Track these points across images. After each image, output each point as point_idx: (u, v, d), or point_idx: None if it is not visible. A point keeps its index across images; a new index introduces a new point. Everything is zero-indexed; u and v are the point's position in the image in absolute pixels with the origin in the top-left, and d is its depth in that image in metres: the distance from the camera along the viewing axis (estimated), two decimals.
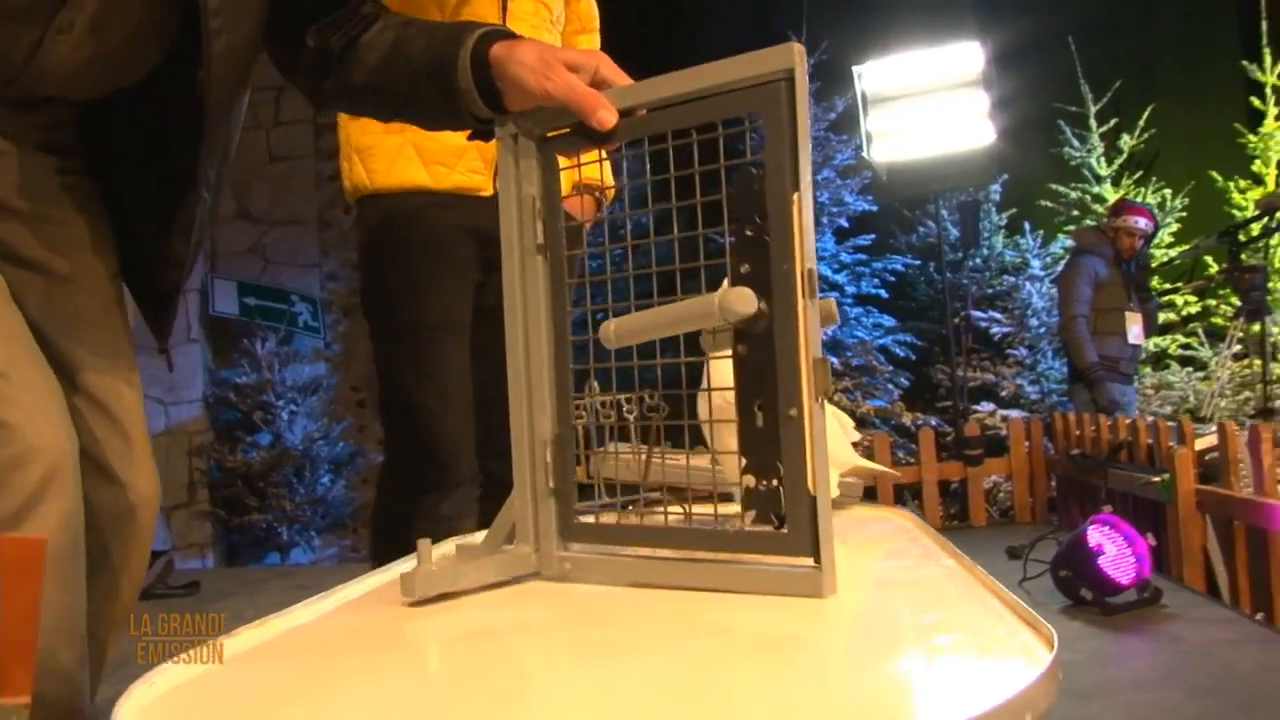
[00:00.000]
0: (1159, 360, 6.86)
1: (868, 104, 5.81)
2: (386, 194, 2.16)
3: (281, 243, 7.44)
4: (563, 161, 1.23)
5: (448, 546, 1.39)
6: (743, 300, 0.99)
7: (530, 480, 1.24)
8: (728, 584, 1.07)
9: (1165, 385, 6.53)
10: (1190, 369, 6.66)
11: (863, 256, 7.13)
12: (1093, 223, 6.80)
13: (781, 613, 0.98)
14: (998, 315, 6.90)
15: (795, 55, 1.02)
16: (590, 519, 1.21)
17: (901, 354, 6.99)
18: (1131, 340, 5.36)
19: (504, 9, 2.09)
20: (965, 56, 5.66)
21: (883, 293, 7.13)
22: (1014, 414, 6.40)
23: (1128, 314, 5.32)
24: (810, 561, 1.01)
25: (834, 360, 6.75)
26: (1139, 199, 6.99)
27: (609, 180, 2.35)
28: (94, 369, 1.43)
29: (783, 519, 1.04)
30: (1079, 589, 3.17)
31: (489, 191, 2.14)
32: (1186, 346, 6.79)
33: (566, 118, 1.20)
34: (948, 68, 5.71)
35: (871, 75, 5.83)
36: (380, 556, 2.13)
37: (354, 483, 7.15)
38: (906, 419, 6.76)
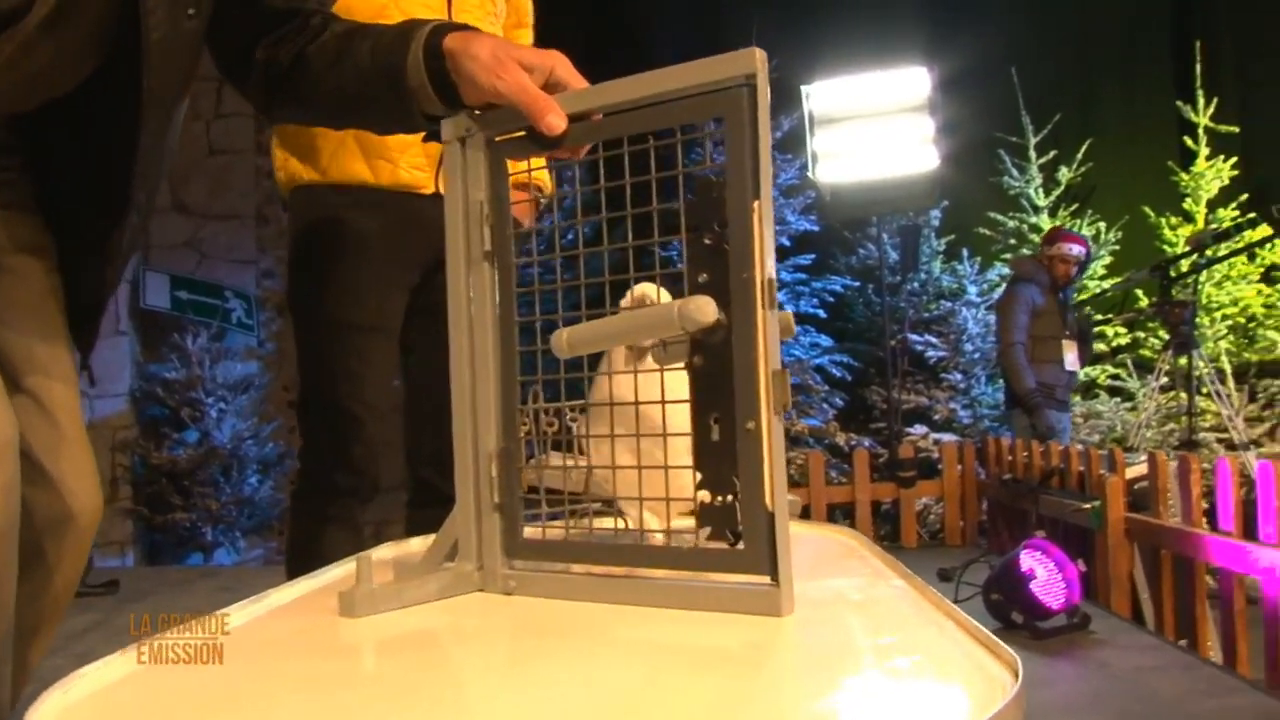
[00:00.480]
0: (1088, 390, 6.98)
1: (814, 124, 5.85)
2: (323, 187, 2.08)
3: (218, 237, 7.30)
4: (512, 166, 1.20)
5: (383, 556, 1.35)
6: (703, 309, 0.96)
7: (474, 494, 1.20)
8: (681, 602, 1.04)
9: (1094, 414, 6.65)
10: (1119, 399, 6.79)
11: (803, 276, 7.18)
12: (1030, 252, 6.92)
13: (737, 631, 0.96)
14: (933, 339, 6.98)
15: (758, 61, 1.00)
16: (538, 534, 1.18)
17: (837, 374, 7.04)
18: (1067, 367, 5.45)
19: (449, 2, 2.05)
20: (912, 81, 5.73)
21: (821, 313, 7.19)
22: (946, 437, 6.47)
23: (1064, 342, 5.41)
24: (767, 579, 0.99)
25: None
26: (1075, 230, 7.12)
27: (548, 184, 2.31)
28: (29, 359, 1.37)
29: (739, 535, 1.01)
30: (1010, 612, 3.19)
31: (430, 189, 2.09)
32: (1115, 377, 6.92)
33: (517, 120, 1.16)
34: (895, 91, 5.77)
35: (819, 96, 5.87)
36: (292, 566, 2.06)
37: (282, 484, 7.02)
38: (840, 439, 6.81)
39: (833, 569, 1.29)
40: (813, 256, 7.22)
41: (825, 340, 7.16)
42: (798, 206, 7.03)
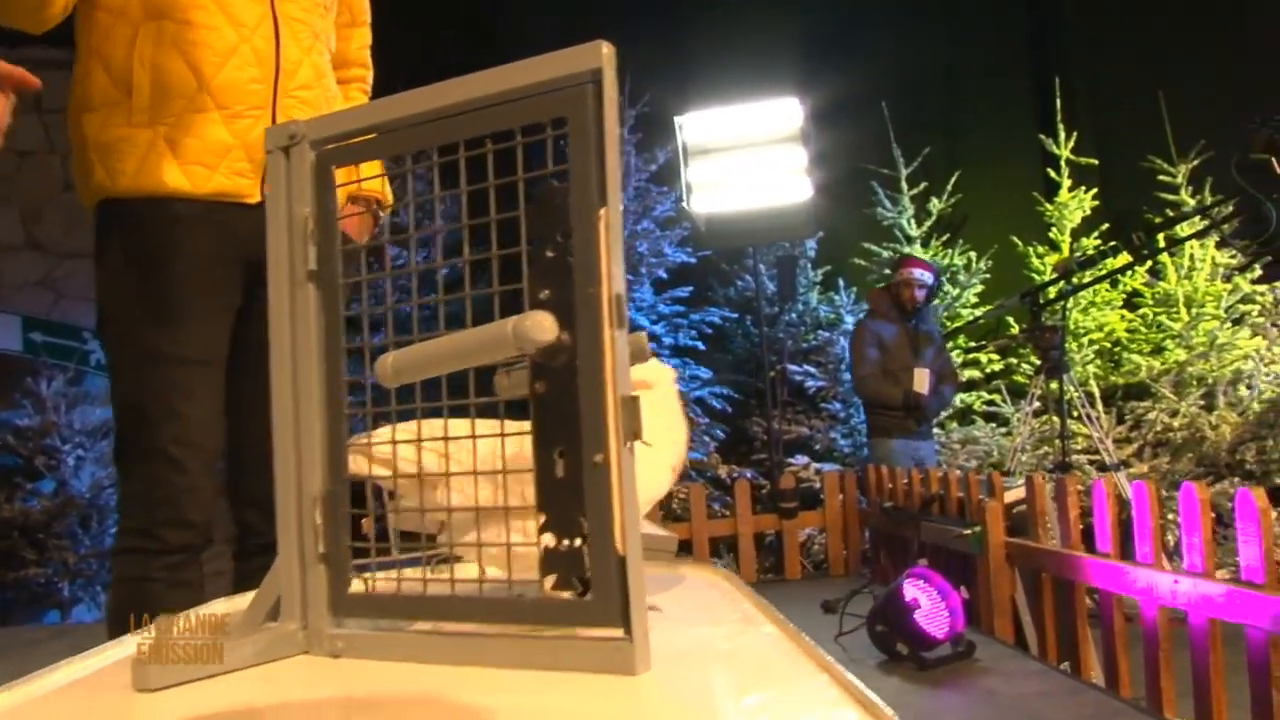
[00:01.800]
0: (965, 416, 7.08)
1: (688, 155, 5.82)
2: (133, 199, 1.85)
3: (75, 275, 6.96)
4: (341, 176, 1.08)
5: (210, 613, 1.20)
6: (540, 326, 0.86)
7: (297, 544, 1.06)
8: (526, 661, 0.93)
9: (970, 440, 6.73)
10: (994, 424, 6.89)
11: (680, 308, 7.15)
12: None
13: (584, 694, 0.84)
14: (812, 369, 7.00)
15: (604, 56, 0.90)
16: (369, 587, 1.05)
17: (718, 406, 7.01)
18: (917, 389, 5.51)
19: (272, 5, 1.89)
20: (785, 112, 5.75)
21: (700, 344, 7.16)
22: (828, 467, 6.47)
23: (916, 371, 5.48)
24: (619, 632, 0.88)
25: None
26: (946, 260, 7.25)
27: (387, 196, 2.17)
28: None
29: (587, 584, 0.90)
30: (895, 644, 3.14)
31: (256, 198, 1.87)
32: (991, 403, 7.03)
33: (347, 125, 1.05)
34: (768, 122, 5.78)
35: (692, 126, 5.86)
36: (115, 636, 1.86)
37: None
38: (722, 471, 6.76)
39: (700, 614, 1.19)
40: (690, 289, 7.20)
41: (705, 373, 7.13)
42: (675, 239, 7.01)
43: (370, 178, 1.90)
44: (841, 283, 7.31)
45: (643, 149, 7.13)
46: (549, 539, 0.92)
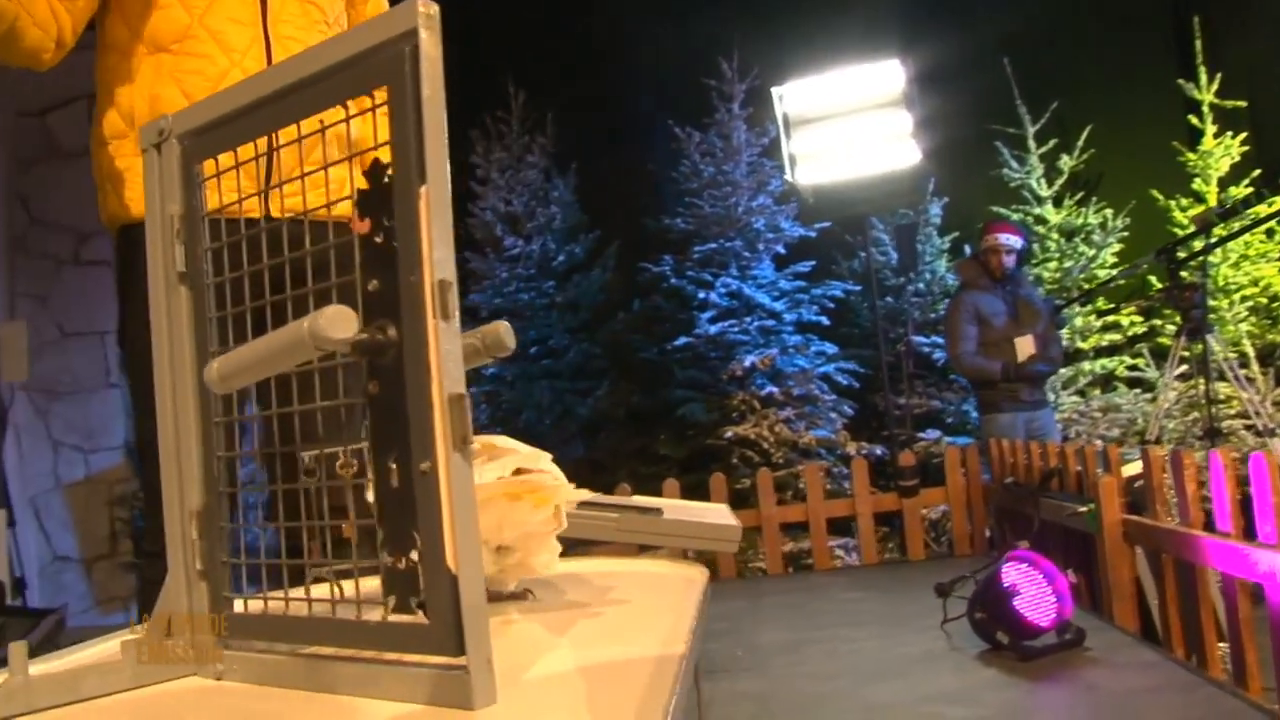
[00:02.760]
0: (1107, 382, 6.67)
1: (790, 126, 5.63)
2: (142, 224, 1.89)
3: None
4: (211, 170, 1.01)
5: (108, 644, 1.15)
6: (334, 324, 0.76)
7: (183, 561, 1.01)
8: (373, 689, 0.84)
9: (1112, 407, 6.34)
10: (1138, 390, 6.48)
11: (802, 284, 6.95)
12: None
13: None
14: (941, 340, 6.70)
15: (420, 15, 0.80)
16: (247, 606, 0.98)
17: (844, 382, 6.80)
18: (1021, 360, 5.19)
19: (264, 9, 1.86)
20: (886, 76, 5.49)
21: (824, 319, 6.95)
22: (961, 440, 6.19)
23: (1017, 341, 5.15)
24: (460, 661, 0.78)
25: (774, 389, 6.56)
26: (1080, 220, 6.84)
27: None
28: None
29: (424, 605, 0.81)
30: (995, 632, 2.94)
31: (257, 213, 1.86)
32: (1134, 367, 6.61)
33: (211, 112, 0.98)
34: (869, 88, 5.54)
35: (792, 97, 5.66)
36: None
37: None
38: (851, 448, 6.55)
39: (614, 625, 1.08)
40: (812, 263, 7.00)
41: (830, 348, 6.92)
42: (791, 213, 6.82)
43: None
44: (968, 249, 6.96)
45: (755, 122, 6.96)
46: (387, 556, 0.83)
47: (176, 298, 1.01)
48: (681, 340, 6.93)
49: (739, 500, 5.59)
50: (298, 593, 0.93)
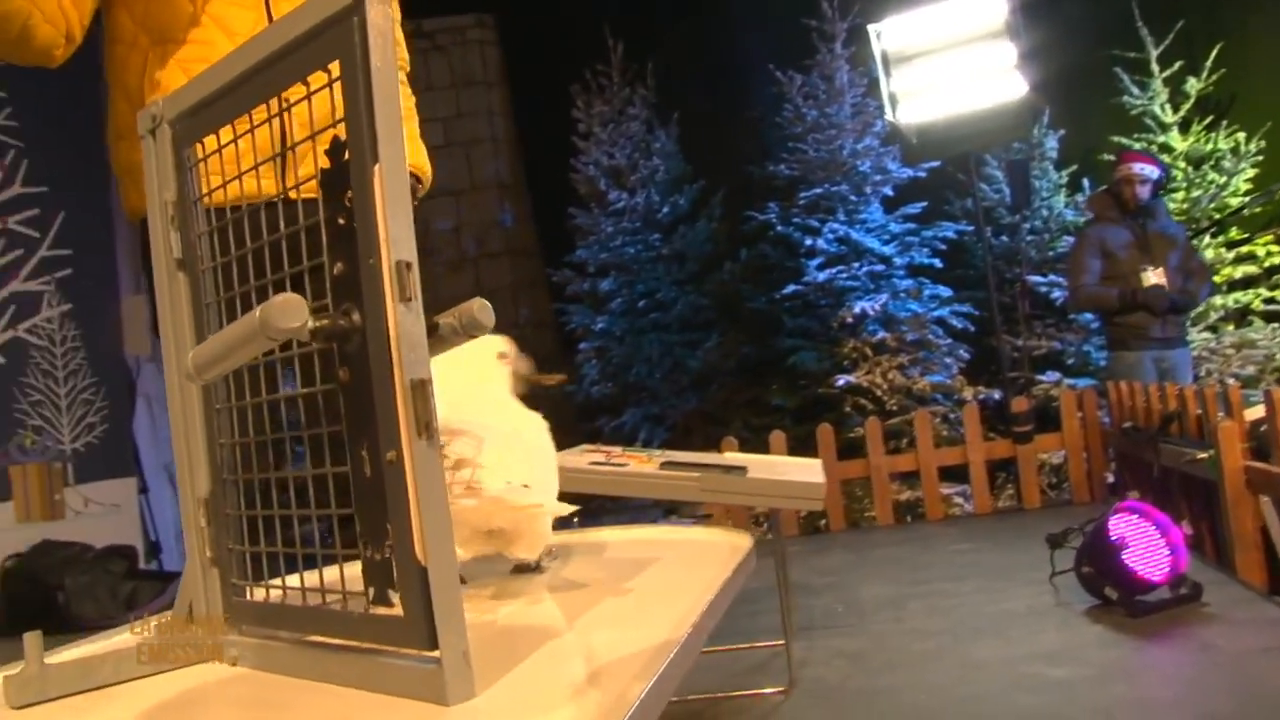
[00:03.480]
0: (1242, 316, 6.32)
1: (889, 64, 5.43)
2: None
3: None
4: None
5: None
6: (284, 312, 0.74)
7: (196, 548, 1.01)
8: (359, 680, 0.83)
9: (1247, 344, 6.00)
10: (1276, 325, 6.11)
11: (912, 226, 6.75)
12: None
13: None
14: (1059, 279, 6.43)
15: None
16: (252, 594, 0.98)
17: (959, 325, 6.59)
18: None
19: (267, 8, 1.83)
20: (987, 6, 5.24)
21: (936, 262, 6.74)
22: (1082, 383, 5.96)
23: (1145, 275, 4.81)
24: (433, 655, 0.76)
25: (886, 335, 6.41)
26: (1209, 145, 6.45)
27: (425, 165, 2.07)
28: None
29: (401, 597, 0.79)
30: (1103, 587, 2.82)
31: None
32: (1271, 300, 6.23)
33: (199, 91, 0.97)
34: (970, 19, 5.29)
35: (890, 34, 5.45)
36: None
37: None
38: (968, 393, 6.37)
39: (636, 611, 1.04)
40: (923, 204, 6.78)
41: (944, 290, 6.71)
42: (899, 154, 6.61)
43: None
44: (1087, 183, 6.65)
45: (857, 63, 6.75)
46: (364, 547, 0.81)
47: (176, 284, 1.00)
48: (790, 288, 6.82)
49: (853, 450, 5.50)
50: (304, 580, 0.92)
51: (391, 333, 0.75)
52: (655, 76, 7.46)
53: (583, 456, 2.67)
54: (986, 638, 2.68)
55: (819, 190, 6.80)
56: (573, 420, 7.42)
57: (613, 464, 2.60)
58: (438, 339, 0.86)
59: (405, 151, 0.77)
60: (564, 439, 3.03)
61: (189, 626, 1.01)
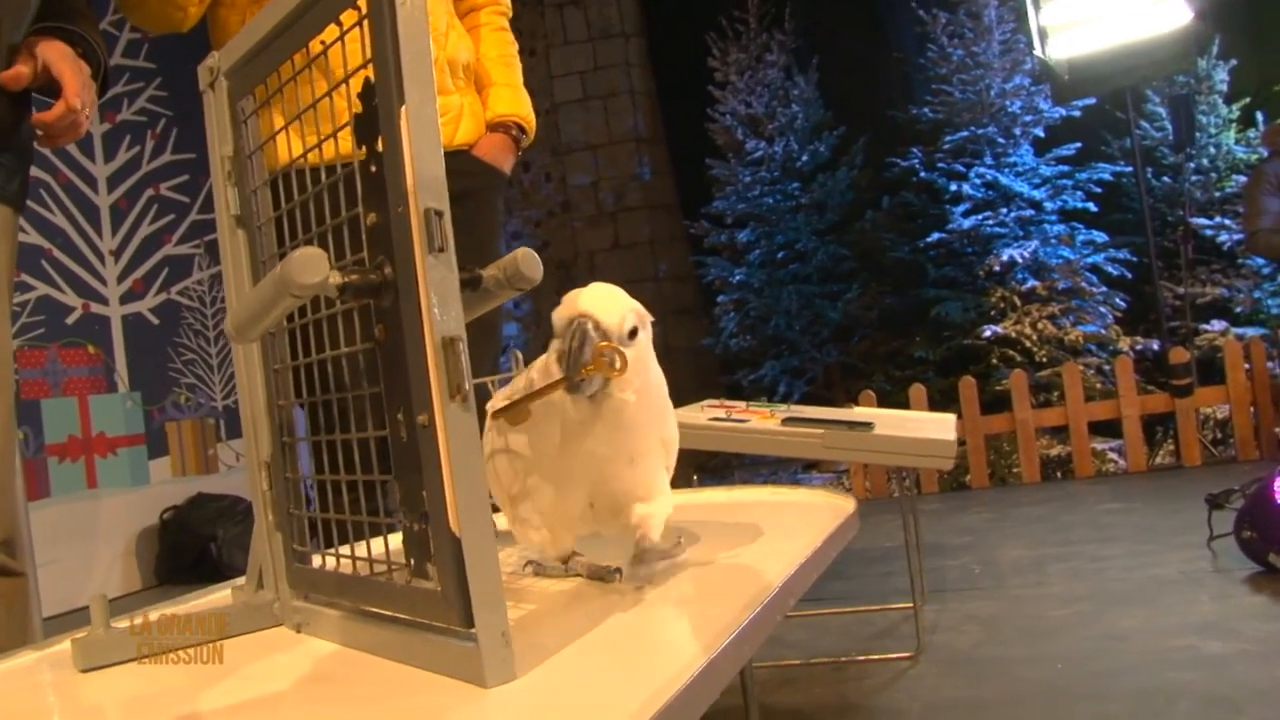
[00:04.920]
0: None
1: None
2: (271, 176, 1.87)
3: None
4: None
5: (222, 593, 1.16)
6: (303, 267, 0.69)
7: (262, 513, 0.99)
8: (403, 655, 0.79)
9: None
10: None
11: (1065, 169, 6.40)
12: None
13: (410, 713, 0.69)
14: (1228, 221, 6.02)
15: None
16: (310, 560, 0.95)
17: (1115, 272, 6.24)
18: None
19: None
20: None
21: (1091, 206, 6.38)
22: (1251, 332, 5.57)
23: None
24: (471, 632, 0.71)
25: (1036, 284, 6.12)
26: None
27: (529, 114, 2.01)
28: None
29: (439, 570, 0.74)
30: (1265, 553, 2.61)
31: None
32: None
33: (242, 47, 0.93)
34: None
35: None
36: None
37: None
38: (1124, 344, 6.04)
39: (709, 585, 0.97)
40: (1078, 145, 6.42)
41: (1099, 235, 6.35)
42: (1050, 92, 6.26)
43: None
44: (1261, 117, 6.18)
45: None
46: (403, 516, 0.76)
47: (236, 241, 0.97)
48: (934, 236, 6.56)
49: (999, 404, 5.29)
50: (353, 550, 0.89)
51: (421, 286, 0.70)
52: (793, 20, 7.25)
53: (702, 412, 2.61)
54: (1133, 605, 2.51)
55: (965, 133, 6.50)
56: (713, 374, 7.36)
57: (733, 420, 2.53)
58: (483, 293, 0.80)
59: (435, 92, 0.71)
60: (704, 393, 2.96)
61: (258, 593, 1.00)
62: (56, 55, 1.40)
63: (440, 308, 0.70)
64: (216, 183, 0.99)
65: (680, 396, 2.80)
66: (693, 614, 0.86)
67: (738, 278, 7.25)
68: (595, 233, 8.22)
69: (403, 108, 0.70)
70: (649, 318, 0.96)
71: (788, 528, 1.17)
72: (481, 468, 0.71)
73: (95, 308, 4.37)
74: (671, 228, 8.32)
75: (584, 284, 0.94)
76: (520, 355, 1.29)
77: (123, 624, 0.93)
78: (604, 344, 0.87)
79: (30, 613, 1.43)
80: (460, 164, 1.86)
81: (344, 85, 0.79)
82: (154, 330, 4.70)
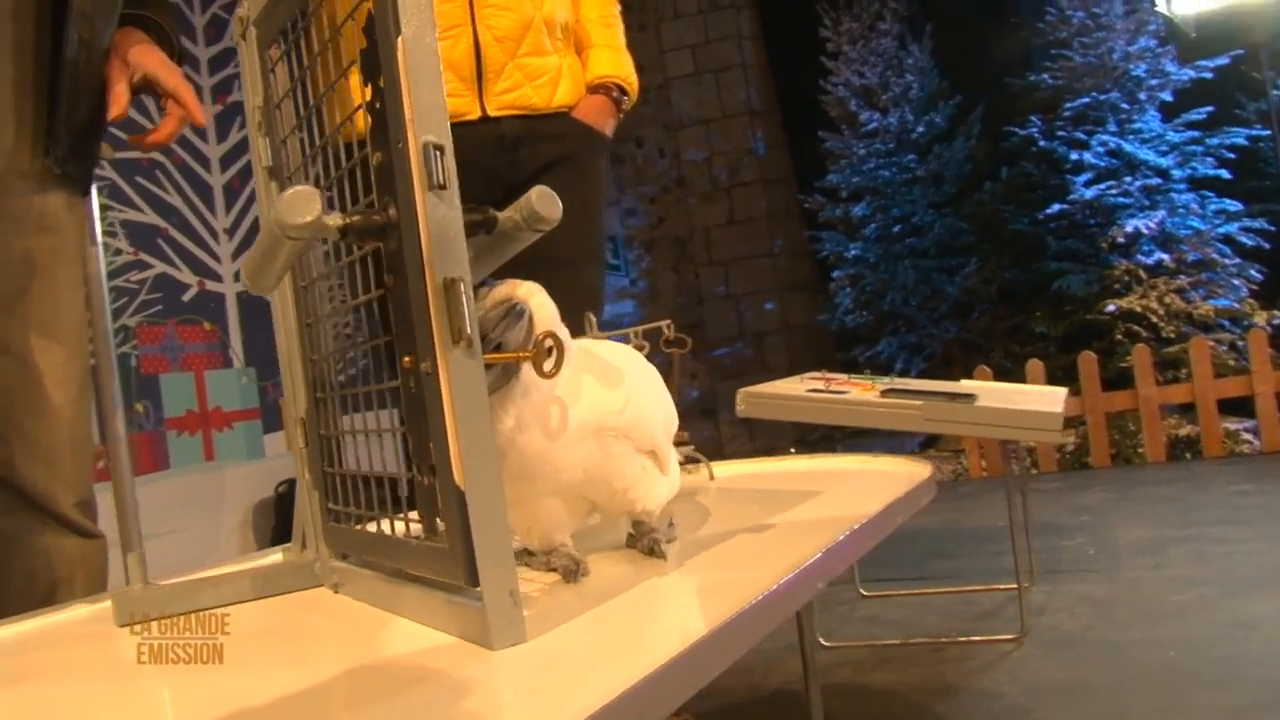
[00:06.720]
0: None
1: None
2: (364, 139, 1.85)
3: None
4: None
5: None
6: (294, 207, 0.65)
7: (301, 473, 0.97)
8: (425, 616, 0.76)
9: None
10: None
11: (1195, 134, 6.08)
12: None
13: (438, 671, 0.66)
14: None
15: None
16: (341, 519, 0.92)
17: (1250, 243, 5.91)
18: None
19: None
20: None
21: (1224, 173, 6.05)
22: None
23: None
24: (477, 591, 0.67)
25: (1163, 256, 5.84)
26: None
27: (630, 75, 1.95)
28: None
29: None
30: None
31: (475, 114, 1.78)
32: None
33: None
34: None
35: None
36: None
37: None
38: (1260, 318, 5.71)
39: (760, 551, 0.91)
40: (1210, 109, 6.09)
41: (1232, 205, 6.02)
42: (1176, 54, 5.96)
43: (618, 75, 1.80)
44: None
45: None
46: (415, 470, 0.73)
47: (270, 194, 0.95)
48: (1055, 207, 6.31)
49: (1123, 381, 5.07)
50: (378, 508, 0.86)
51: (421, 226, 0.66)
52: None
53: (802, 384, 2.54)
54: (1260, 591, 2.35)
55: (1086, 100, 6.23)
56: (829, 350, 7.25)
57: (831, 391, 2.46)
58: (500, 235, 0.76)
59: (433, 22, 0.67)
60: (821, 369, 2.88)
61: (302, 553, 0.98)
62: (156, 64, 1.43)
63: (440, 247, 0.66)
64: (251, 134, 0.97)
65: (796, 373, 2.73)
66: (725, 581, 0.80)
67: (853, 252, 7.11)
68: (710, 208, 8.12)
69: (399, 38, 0.66)
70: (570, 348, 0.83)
71: (852, 494, 1.10)
72: (488, 418, 0.67)
73: (210, 285, 4.50)
74: (786, 202, 8.19)
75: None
76: (593, 318, 1.24)
77: (165, 582, 0.92)
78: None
79: (108, 574, 1.45)
80: (559, 126, 1.84)
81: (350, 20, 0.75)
82: (267, 307, 4.80)
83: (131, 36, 1.43)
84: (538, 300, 0.81)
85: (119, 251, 4.04)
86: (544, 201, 0.74)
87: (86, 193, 1.50)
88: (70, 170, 1.38)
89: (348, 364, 0.93)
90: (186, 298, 4.38)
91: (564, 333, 0.82)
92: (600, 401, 0.85)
